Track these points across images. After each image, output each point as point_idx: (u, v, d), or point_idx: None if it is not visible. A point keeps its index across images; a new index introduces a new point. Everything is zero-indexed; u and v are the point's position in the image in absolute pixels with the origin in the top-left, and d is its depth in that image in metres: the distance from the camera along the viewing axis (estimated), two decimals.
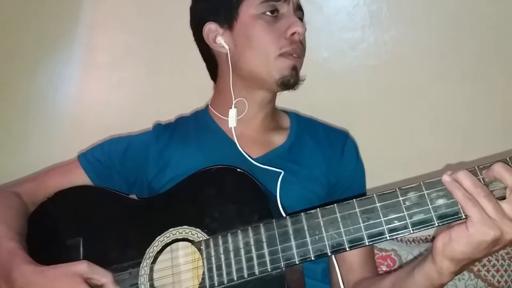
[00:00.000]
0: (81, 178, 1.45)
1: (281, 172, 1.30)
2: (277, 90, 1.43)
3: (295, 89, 1.43)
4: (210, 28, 1.44)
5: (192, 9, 1.52)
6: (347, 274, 1.37)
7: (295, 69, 1.39)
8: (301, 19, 1.45)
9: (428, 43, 1.84)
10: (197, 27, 1.49)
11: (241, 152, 1.40)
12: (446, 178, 0.94)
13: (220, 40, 1.42)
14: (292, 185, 1.34)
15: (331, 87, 1.89)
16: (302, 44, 1.42)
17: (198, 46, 1.54)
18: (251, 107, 1.45)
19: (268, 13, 1.38)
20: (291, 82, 1.39)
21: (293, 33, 1.38)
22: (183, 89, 1.87)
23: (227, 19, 1.41)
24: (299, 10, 1.46)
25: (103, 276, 1.16)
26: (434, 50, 1.84)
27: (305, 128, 1.53)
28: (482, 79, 1.83)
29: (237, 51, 1.41)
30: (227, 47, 1.42)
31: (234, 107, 1.44)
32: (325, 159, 1.46)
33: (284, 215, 1.15)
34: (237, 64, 1.41)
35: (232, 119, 1.43)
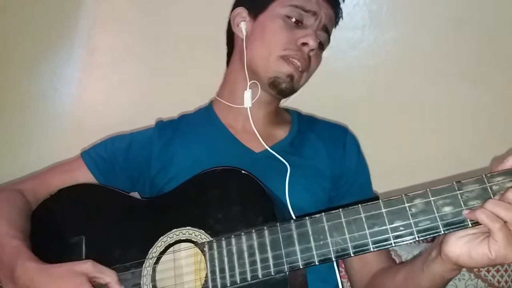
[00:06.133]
0: (84, 175, 1.45)
1: (287, 168, 1.31)
2: (269, 90, 1.44)
3: (285, 96, 1.45)
4: (240, 13, 1.49)
5: None
6: (363, 267, 1.38)
7: (291, 77, 1.40)
8: (323, 42, 1.48)
9: (428, 43, 1.84)
10: (233, 7, 1.53)
11: (242, 147, 1.42)
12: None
13: (242, 25, 1.47)
14: (297, 178, 1.35)
15: (331, 87, 1.89)
16: (309, 59, 1.43)
17: (227, 27, 1.58)
18: (254, 101, 1.46)
19: (292, 19, 1.41)
20: (281, 86, 1.40)
21: (304, 44, 1.40)
22: (183, 89, 1.86)
23: (257, 9, 1.45)
24: (324, 31, 1.47)
25: (107, 275, 1.16)
26: (434, 50, 1.84)
27: (306, 123, 1.55)
28: (482, 79, 1.83)
29: (251, 39, 1.44)
30: (244, 33, 1.45)
31: (249, 88, 1.45)
32: (328, 152, 1.47)
33: (292, 214, 1.16)
34: (246, 51, 1.44)
35: (247, 100, 1.44)
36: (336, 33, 1.84)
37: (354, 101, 1.88)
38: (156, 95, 1.93)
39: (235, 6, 1.53)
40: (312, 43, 1.39)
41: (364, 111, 1.88)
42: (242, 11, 1.48)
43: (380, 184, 1.69)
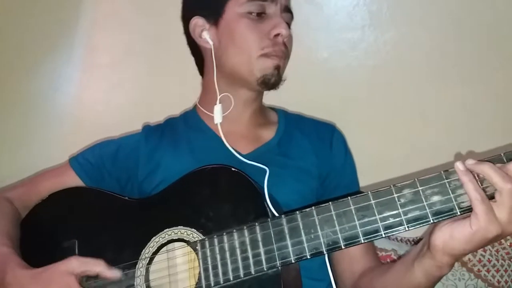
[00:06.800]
0: (73, 181, 1.45)
1: (266, 170, 1.29)
2: (258, 89, 1.43)
3: (275, 89, 1.43)
4: (197, 23, 1.45)
5: (183, 2, 1.53)
6: (351, 266, 1.37)
7: (277, 69, 1.39)
8: (289, 22, 1.46)
9: (428, 43, 1.83)
10: (185, 20, 1.49)
11: (229, 150, 1.40)
12: (460, 166, 0.93)
13: (205, 35, 1.43)
14: (283, 178, 1.35)
15: (331, 87, 1.88)
16: (285, 46, 1.42)
17: (187, 40, 1.54)
18: (236, 104, 1.45)
19: (254, 13, 1.38)
20: (271, 81, 1.39)
21: (277, 35, 1.38)
22: (183, 89, 1.85)
23: (213, 15, 1.42)
24: (287, 12, 1.45)
25: (95, 265, 1.16)
26: (434, 50, 1.83)
27: (293, 123, 1.54)
28: (482, 79, 1.82)
29: (221, 47, 1.41)
30: (211, 42, 1.42)
31: (219, 103, 1.43)
32: (315, 151, 1.46)
33: (275, 213, 1.14)
34: (220, 60, 1.42)
35: (217, 115, 1.42)
36: (336, 33, 1.86)
37: (354, 101, 1.87)
38: (156, 95, 1.93)
39: (187, 16, 1.48)
40: (285, 32, 1.38)
41: (363, 111, 1.87)
42: (198, 20, 1.44)
43: (379, 184, 1.69)
